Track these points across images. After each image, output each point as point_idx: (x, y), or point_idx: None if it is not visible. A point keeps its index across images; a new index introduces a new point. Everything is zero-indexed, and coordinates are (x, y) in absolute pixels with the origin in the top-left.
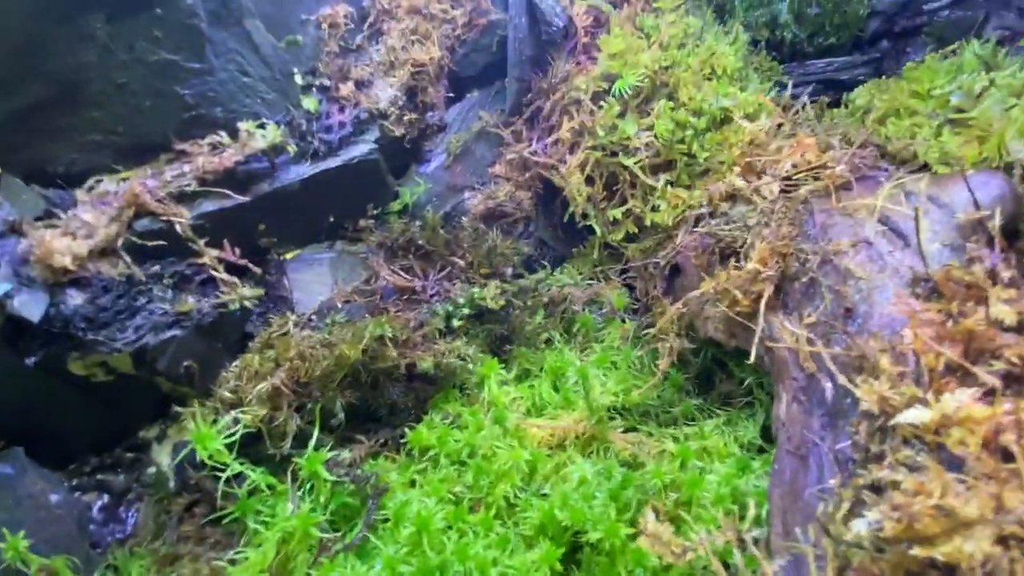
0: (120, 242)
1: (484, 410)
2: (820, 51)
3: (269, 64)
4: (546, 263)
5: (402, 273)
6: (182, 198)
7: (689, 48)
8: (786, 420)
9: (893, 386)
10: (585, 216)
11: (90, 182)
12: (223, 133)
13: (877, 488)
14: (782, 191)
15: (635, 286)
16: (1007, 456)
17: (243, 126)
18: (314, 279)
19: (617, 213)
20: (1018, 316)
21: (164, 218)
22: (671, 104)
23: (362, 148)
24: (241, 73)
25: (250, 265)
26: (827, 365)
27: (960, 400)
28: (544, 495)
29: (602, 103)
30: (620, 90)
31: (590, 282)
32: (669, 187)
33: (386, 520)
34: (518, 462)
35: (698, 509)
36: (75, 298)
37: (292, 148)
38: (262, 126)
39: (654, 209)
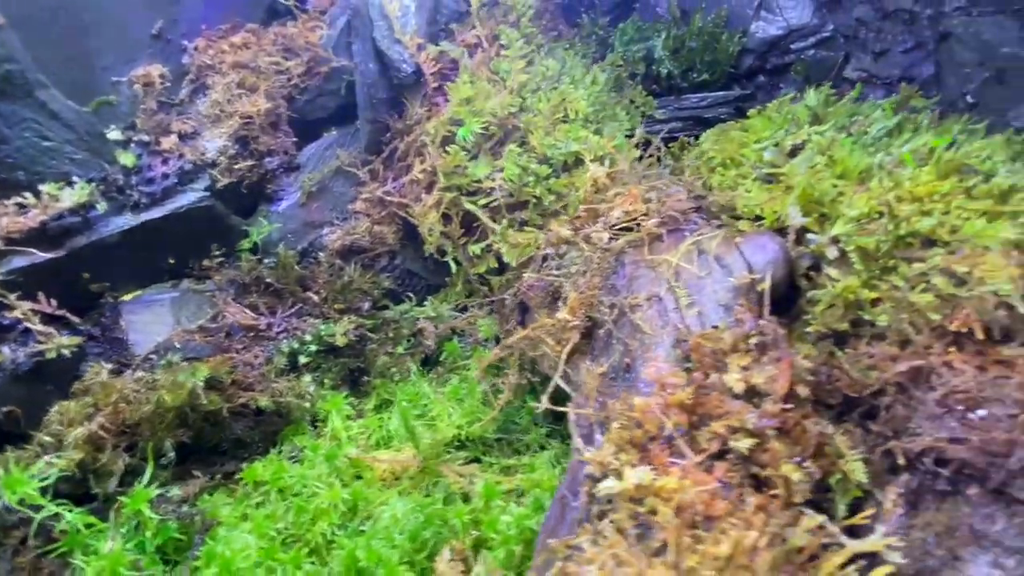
0: None
1: (327, 444)
2: (695, 86)
3: (73, 127)
4: (411, 295)
5: (248, 311)
6: None
7: (542, 92)
8: (569, 466)
9: (619, 450)
10: (442, 252)
11: None
12: (28, 194)
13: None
14: (611, 239)
15: None
16: (697, 524)
17: (45, 188)
18: (152, 319)
19: (477, 249)
20: (746, 384)
21: None
22: (519, 149)
23: (190, 196)
24: (40, 138)
25: (67, 315)
26: (595, 419)
27: (640, 475)
28: (362, 532)
29: (449, 148)
30: (463, 137)
31: (457, 313)
32: (512, 229)
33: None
34: (335, 500)
35: (484, 551)
36: None
37: (102, 205)
38: (70, 184)
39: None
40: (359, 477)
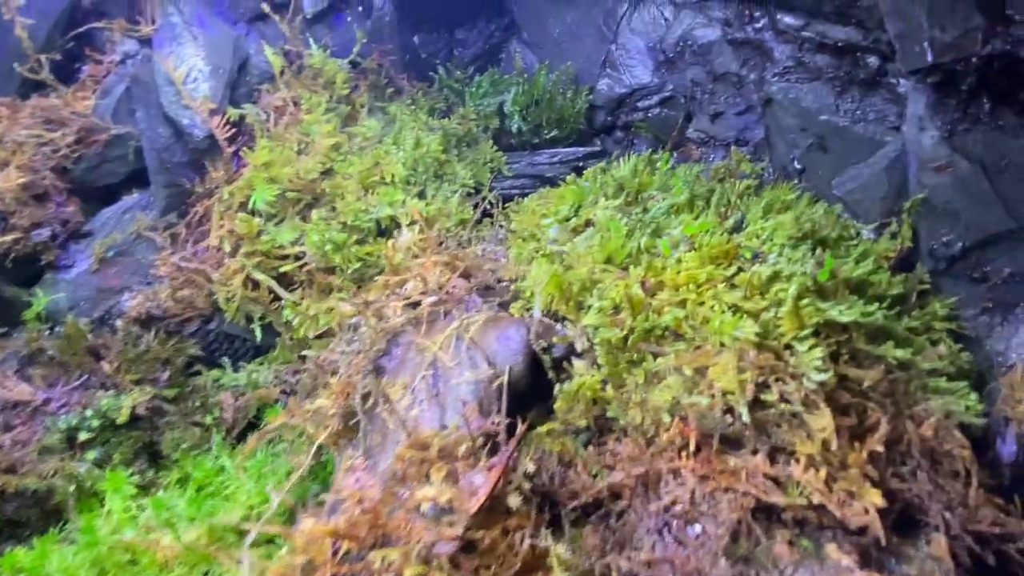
0: None
1: (103, 527)
2: (547, 142)
3: None
4: (227, 360)
5: (23, 384)
6: None
7: (354, 155)
8: None
9: None
10: (249, 319)
11: None
12: None
13: None
14: (401, 314)
15: None
16: None
17: None
18: None
19: (288, 314)
20: (436, 499)
21: None
22: (326, 214)
23: None
24: None
25: None
26: None
27: None
28: None
29: (239, 215)
30: (256, 203)
31: (281, 376)
32: (308, 299)
33: None
34: None
35: None
36: None
37: None
38: None
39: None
40: (134, 562)
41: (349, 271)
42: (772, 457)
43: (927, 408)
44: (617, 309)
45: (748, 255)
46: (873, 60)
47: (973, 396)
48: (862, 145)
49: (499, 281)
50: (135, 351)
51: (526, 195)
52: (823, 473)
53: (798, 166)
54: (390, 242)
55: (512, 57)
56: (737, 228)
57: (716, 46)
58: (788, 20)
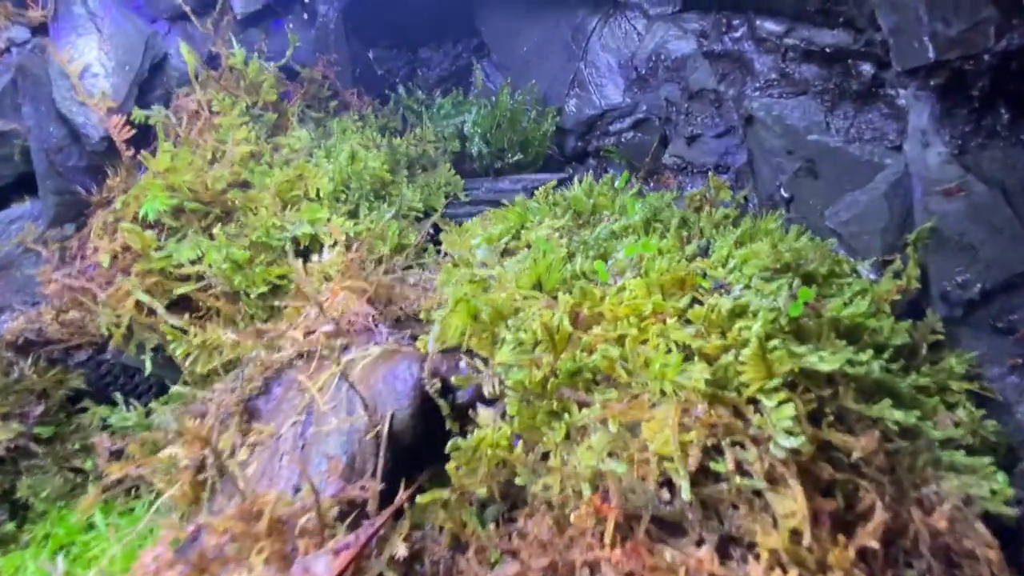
0: None
1: None
2: (511, 167)
3: None
4: (119, 394)
5: None
6: None
7: (275, 167)
8: None
9: None
10: (140, 350)
11: None
12: None
13: None
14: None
15: None
16: None
17: None
18: None
19: (175, 345)
20: None
21: None
22: (231, 230)
23: None
24: None
25: None
26: None
27: None
28: None
29: (133, 227)
30: (148, 213)
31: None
32: (196, 328)
33: None
34: None
35: None
36: None
37: None
38: None
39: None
40: None
41: (254, 295)
42: (722, 551)
43: (939, 490)
44: (537, 345)
45: (708, 285)
46: (867, 68)
47: (1001, 477)
48: (858, 168)
49: (418, 312)
50: (4, 380)
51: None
52: None
53: (785, 194)
54: (297, 263)
55: (480, 78)
56: (700, 254)
57: (691, 60)
58: (769, 26)
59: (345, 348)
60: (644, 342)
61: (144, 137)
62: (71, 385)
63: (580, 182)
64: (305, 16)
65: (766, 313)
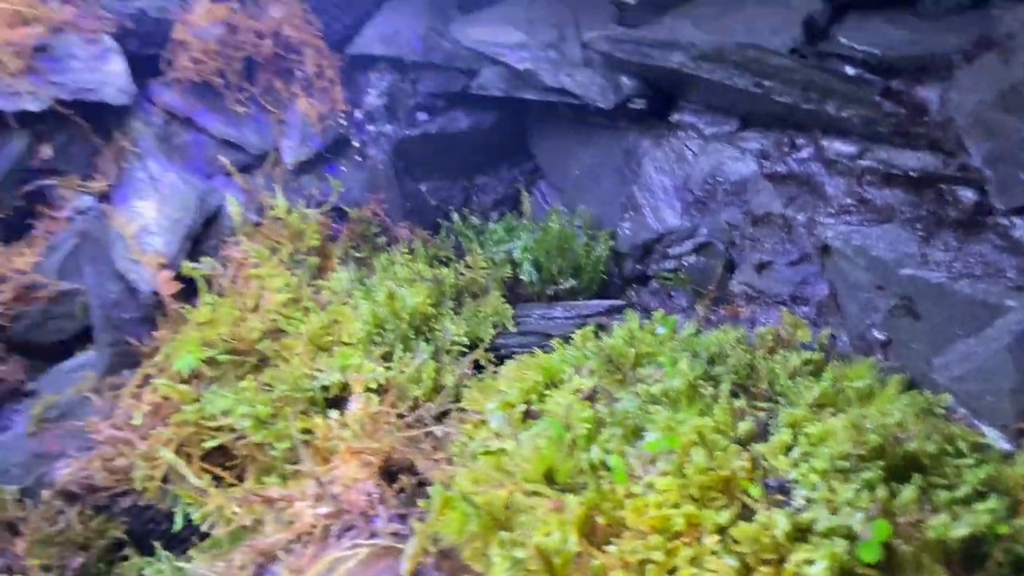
0: None
1: None
2: (565, 294)
3: None
4: (155, 544)
5: None
6: None
7: (311, 312)
8: None
9: None
10: (176, 501)
11: None
12: None
13: None
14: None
15: None
16: None
17: None
18: None
19: (186, 505)
20: None
21: None
22: (262, 380)
23: None
24: None
25: None
26: None
27: None
28: None
29: (163, 379)
30: (185, 366)
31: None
32: (217, 487)
33: None
34: None
35: None
36: None
37: None
38: None
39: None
40: None
41: (280, 451)
42: None
43: None
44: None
45: (758, 494)
46: (967, 195)
47: None
48: (970, 311)
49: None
50: (51, 529)
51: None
52: None
53: (880, 336)
54: (318, 419)
55: (536, 202)
56: (758, 436)
57: (752, 182)
58: (839, 147)
59: (348, 531)
60: (671, 573)
61: (195, 288)
62: (113, 534)
63: (626, 322)
64: (357, 158)
65: (834, 546)
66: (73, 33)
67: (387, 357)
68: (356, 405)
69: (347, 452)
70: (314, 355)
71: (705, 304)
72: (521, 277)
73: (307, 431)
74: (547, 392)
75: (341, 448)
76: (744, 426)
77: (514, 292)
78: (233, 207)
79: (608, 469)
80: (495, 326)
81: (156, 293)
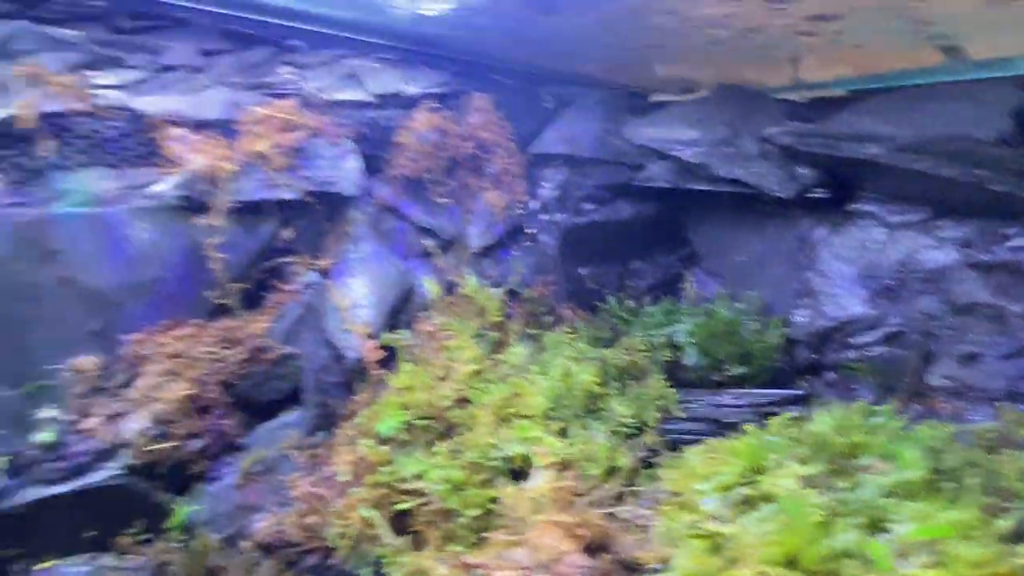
0: None
1: None
2: (732, 380)
3: None
4: None
5: None
6: None
7: (493, 384)
8: None
9: None
10: (363, 561)
11: None
12: None
13: None
14: None
15: None
16: None
17: None
18: None
19: (389, 565)
20: None
21: None
22: (452, 447)
23: (102, 474)
24: None
25: None
26: None
27: None
28: None
29: (364, 441)
30: (385, 429)
31: None
32: (411, 549)
33: None
34: None
35: None
36: None
37: (2, 477)
38: None
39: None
40: None
41: (468, 518)
42: None
43: None
44: None
45: None
46: None
47: None
48: None
49: (636, 567)
50: None
51: (705, 443)
52: None
53: None
54: (509, 489)
55: (691, 287)
56: (1019, 535)
57: (953, 271)
58: None
59: None
60: None
61: (392, 358)
62: None
63: (826, 410)
64: (527, 244)
65: None
66: (323, 137)
67: (562, 432)
68: (540, 479)
69: (546, 523)
70: (496, 426)
71: (900, 398)
72: (685, 362)
73: (493, 500)
74: (756, 478)
75: (532, 520)
76: (1003, 523)
77: (673, 376)
78: (430, 285)
79: (851, 557)
80: (659, 410)
81: (361, 360)
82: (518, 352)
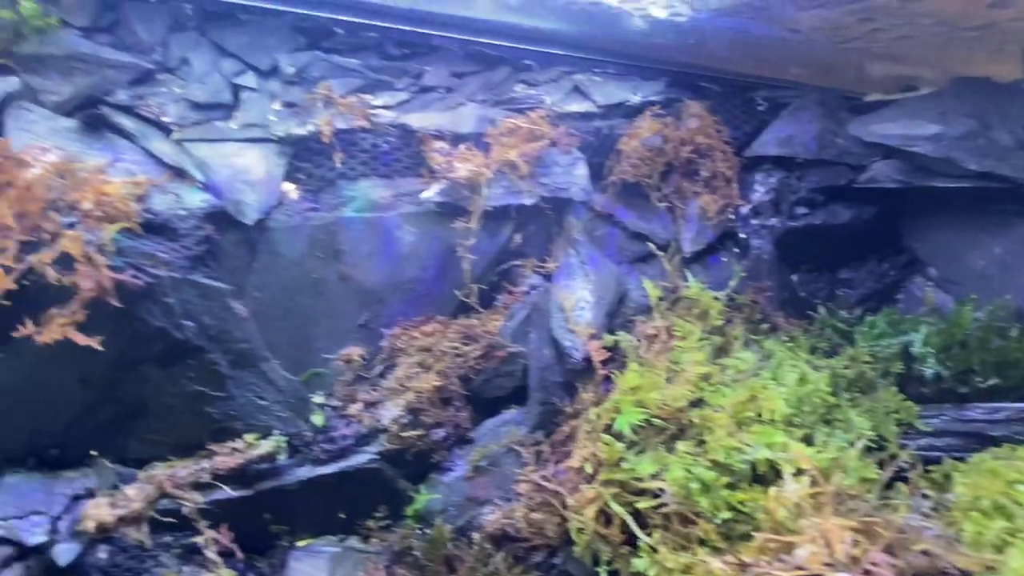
0: (145, 515)
1: None
2: (980, 393)
3: (282, 391)
4: None
5: None
6: (199, 486)
7: (727, 387)
8: None
9: None
10: (596, 559)
11: (148, 467)
12: (240, 440)
13: None
14: None
15: None
16: None
17: (249, 437)
18: (311, 571)
19: (640, 564)
20: None
21: (179, 500)
22: (693, 448)
23: (361, 457)
24: (257, 398)
25: (235, 550)
26: None
27: None
28: None
29: (605, 438)
30: (621, 426)
31: None
32: (668, 548)
33: None
34: None
35: None
36: (100, 553)
37: (283, 455)
38: (265, 437)
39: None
40: None
41: (717, 520)
42: None
43: None
44: None
45: None
46: None
47: None
48: None
49: (943, 572)
50: (484, 570)
51: (956, 458)
52: None
53: None
54: (772, 491)
55: (912, 296)
56: None
57: None
58: None
59: None
60: None
61: (612, 359)
62: None
63: None
64: (736, 250)
65: None
66: (557, 147)
67: (806, 440)
68: (796, 484)
69: (830, 525)
70: (735, 429)
71: None
72: (922, 373)
73: (742, 503)
74: None
75: (799, 524)
76: None
77: (903, 389)
78: (650, 288)
79: None
80: (898, 423)
81: (587, 359)
82: (746, 357)
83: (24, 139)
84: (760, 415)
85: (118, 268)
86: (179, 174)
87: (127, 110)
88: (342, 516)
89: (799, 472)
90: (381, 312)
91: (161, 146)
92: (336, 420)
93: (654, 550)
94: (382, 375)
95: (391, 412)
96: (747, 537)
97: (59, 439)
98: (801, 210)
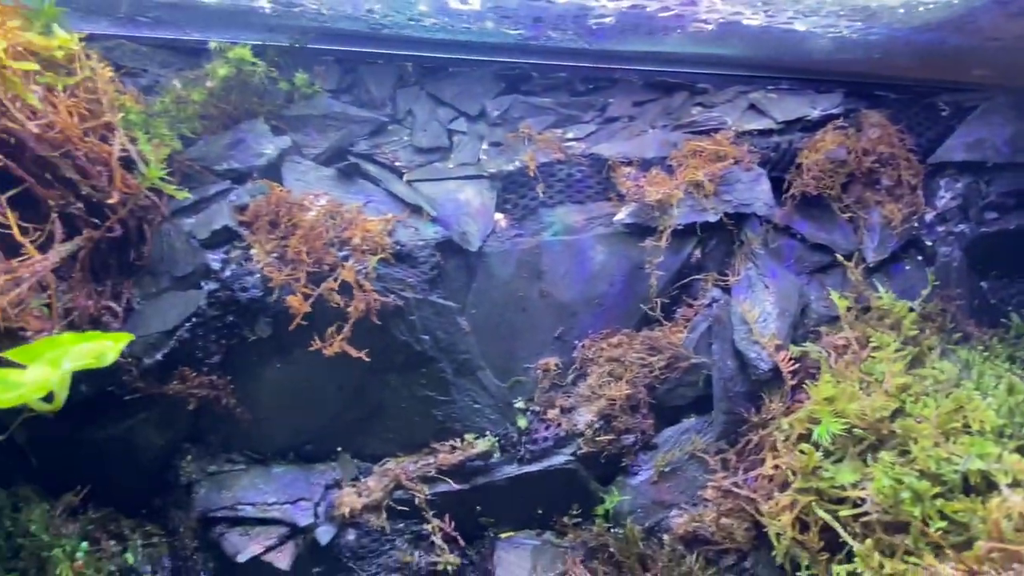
0: (383, 504)
1: None
2: None
3: (493, 396)
4: None
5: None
6: (426, 479)
7: (929, 398)
8: None
9: None
10: (796, 565)
11: (382, 461)
12: (459, 440)
13: None
14: None
15: None
16: None
17: (468, 437)
18: (515, 561)
19: (843, 571)
20: None
21: (410, 492)
22: (896, 458)
23: (559, 458)
24: (473, 402)
25: (458, 537)
26: None
27: None
28: None
29: (803, 447)
30: (821, 436)
31: None
32: (881, 554)
33: None
34: None
35: None
36: (350, 535)
37: (496, 454)
38: (480, 437)
39: None
40: None
41: (933, 529)
42: None
43: None
44: None
45: None
46: None
47: None
48: None
49: None
50: (678, 570)
51: None
52: None
53: None
54: (995, 502)
55: None
56: None
57: None
58: None
59: None
60: None
61: (798, 370)
62: None
63: None
64: (919, 258)
65: None
66: (740, 164)
67: (1020, 451)
68: (1017, 498)
69: None
70: (941, 440)
71: None
72: None
73: (955, 513)
74: None
75: (1021, 536)
76: None
77: None
78: (838, 299)
79: None
80: None
81: (772, 370)
82: (945, 367)
83: (299, 187)
84: (967, 426)
85: (380, 292)
86: (415, 210)
87: (367, 157)
88: (539, 512)
89: (1016, 483)
90: (574, 325)
91: (398, 187)
92: (537, 423)
93: (868, 556)
94: (575, 383)
95: (585, 417)
96: (960, 547)
97: (314, 436)
98: (991, 215)
